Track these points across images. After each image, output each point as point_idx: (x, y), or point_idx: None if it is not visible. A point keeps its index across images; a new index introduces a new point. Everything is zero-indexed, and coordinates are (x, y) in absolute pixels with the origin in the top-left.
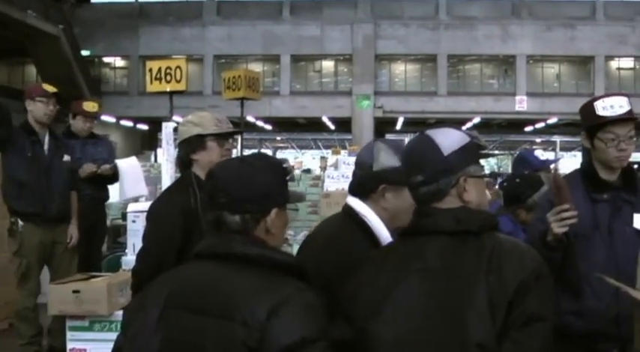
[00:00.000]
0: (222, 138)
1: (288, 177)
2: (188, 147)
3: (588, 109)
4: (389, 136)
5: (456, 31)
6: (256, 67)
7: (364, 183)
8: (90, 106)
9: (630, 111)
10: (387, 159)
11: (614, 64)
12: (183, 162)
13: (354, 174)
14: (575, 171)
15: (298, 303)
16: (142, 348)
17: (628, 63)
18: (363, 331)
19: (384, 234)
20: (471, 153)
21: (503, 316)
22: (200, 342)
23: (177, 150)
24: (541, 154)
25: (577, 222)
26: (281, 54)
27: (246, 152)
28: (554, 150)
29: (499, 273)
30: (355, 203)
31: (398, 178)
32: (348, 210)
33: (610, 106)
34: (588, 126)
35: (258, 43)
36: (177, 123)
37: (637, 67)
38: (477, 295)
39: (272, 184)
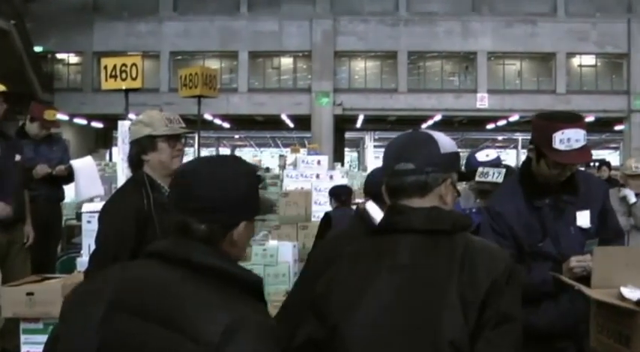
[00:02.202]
0: (174, 138)
1: (260, 185)
2: (139, 148)
3: (545, 136)
4: (348, 134)
5: (415, 27)
6: (213, 64)
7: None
8: (50, 115)
9: (585, 146)
10: None
11: (575, 61)
12: (134, 163)
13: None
14: (512, 180)
15: (254, 327)
16: (80, 345)
17: (589, 60)
18: (336, 329)
19: None
20: (457, 161)
21: (476, 316)
22: (141, 350)
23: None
24: (486, 155)
25: (527, 234)
26: (239, 50)
27: (204, 151)
28: (515, 147)
29: (471, 273)
30: (372, 208)
31: None
32: (363, 214)
33: (567, 139)
34: (539, 148)
35: (215, 39)
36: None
37: (598, 63)
38: (450, 294)
39: (246, 194)
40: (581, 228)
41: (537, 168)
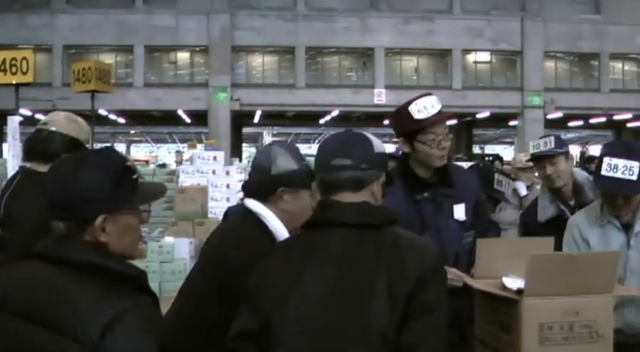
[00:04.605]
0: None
1: (134, 176)
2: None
3: (405, 114)
4: (246, 129)
5: (314, 22)
6: (108, 58)
7: (263, 186)
8: None
9: (440, 111)
10: (284, 163)
11: (471, 57)
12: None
13: (251, 176)
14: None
15: (134, 320)
16: None
17: (484, 56)
18: (269, 321)
19: (284, 234)
20: (387, 162)
21: (403, 307)
22: (22, 350)
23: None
24: None
25: (407, 227)
26: (134, 44)
27: (98, 146)
28: None
29: (399, 265)
30: (254, 204)
31: (296, 181)
32: (248, 212)
33: (424, 108)
34: (407, 130)
35: (110, 33)
36: (24, 117)
37: (493, 60)
38: (378, 285)
39: (97, 188)
40: (458, 221)
41: (416, 157)
